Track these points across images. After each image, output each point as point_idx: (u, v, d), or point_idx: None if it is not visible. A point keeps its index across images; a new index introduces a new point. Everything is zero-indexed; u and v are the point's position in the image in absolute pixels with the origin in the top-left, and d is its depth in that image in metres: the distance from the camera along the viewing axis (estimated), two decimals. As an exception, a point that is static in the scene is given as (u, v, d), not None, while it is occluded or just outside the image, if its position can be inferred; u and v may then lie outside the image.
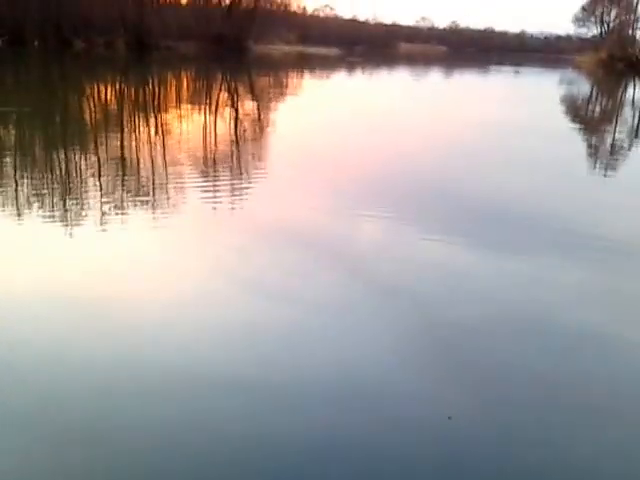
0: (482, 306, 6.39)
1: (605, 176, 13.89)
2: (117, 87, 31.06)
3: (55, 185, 10.56)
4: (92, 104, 23.74)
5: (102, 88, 29.64)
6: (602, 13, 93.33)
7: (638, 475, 4.08)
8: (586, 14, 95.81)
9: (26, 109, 19.28)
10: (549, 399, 4.76)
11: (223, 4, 76.95)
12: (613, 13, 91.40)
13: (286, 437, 4.15)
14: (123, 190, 10.29)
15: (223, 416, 4.35)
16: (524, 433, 4.34)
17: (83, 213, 8.77)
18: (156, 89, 31.43)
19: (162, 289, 6.38)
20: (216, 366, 4.99)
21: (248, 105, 25.54)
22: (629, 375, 5.26)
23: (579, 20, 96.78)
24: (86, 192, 9.96)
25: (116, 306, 5.92)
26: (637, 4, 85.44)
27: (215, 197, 10.14)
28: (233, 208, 9.62)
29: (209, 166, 12.85)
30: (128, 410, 4.36)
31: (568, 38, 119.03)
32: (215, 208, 9.57)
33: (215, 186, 10.93)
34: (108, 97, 26.60)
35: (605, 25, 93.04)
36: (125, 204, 9.38)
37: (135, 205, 9.39)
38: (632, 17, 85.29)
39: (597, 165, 15.53)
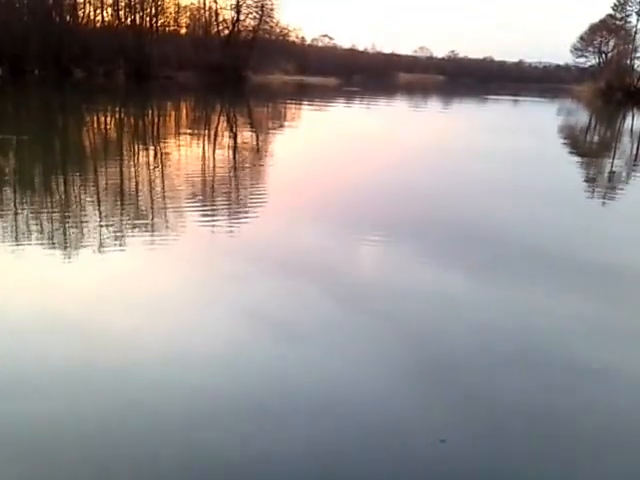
0: (477, 333, 6.40)
1: (604, 204, 13.95)
2: (116, 116, 31.21)
3: (51, 211, 10.56)
4: (90, 132, 23.87)
5: (101, 116, 29.81)
6: (600, 43, 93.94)
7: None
8: (584, 44, 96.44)
9: (24, 137, 19.36)
10: (541, 424, 4.77)
11: (222, 34, 77.54)
12: (611, 43, 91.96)
13: (277, 463, 4.15)
14: (121, 217, 10.35)
15: (225, 444, 4.36)
16: (516, 456, 4.36)
17: (81, 239, 8.81)
18: (155, 118, 31.57)
19: (159, 314, 6.39)
20: (211, 391, 5.00)
21: (246, 134, 25.69)
22: (623, 405, 5.24)
23: (577, 50, 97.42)
24: (84, 218, 10.00)
25: (113, 331, 5.93)
26: (635, 34, 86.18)
27: (213, 223, 10.19)
28: (231, 234, 9.68)
29: (208, 193, 12.89)
30: (127, 437, 4.37)
31: (567, 68, 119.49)
32: (213, 234, 9.60)
33: (213, 212, 10.99)
34: (106, 125, 26.74)
35: (603, 55, 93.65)
36: (123, 230, 9.42)
37: (134, 231, 9.42)
38: (630, 47, 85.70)
39: (595, 193, 15.56)
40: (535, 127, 39.04)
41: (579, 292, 7.87)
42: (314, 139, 24.84)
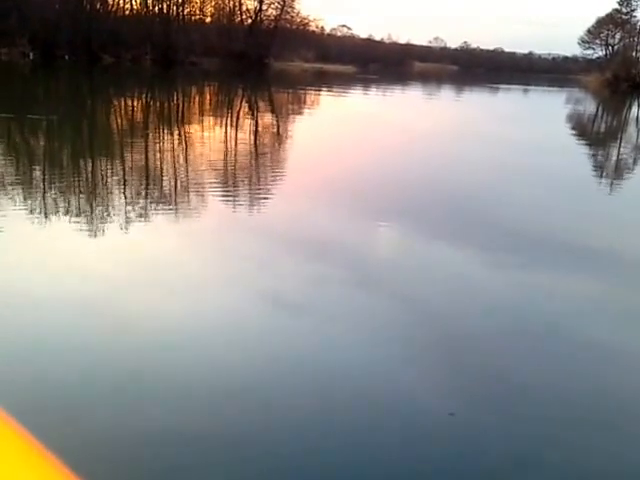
0: (490, 314, 6.21)
1: (610, 191, 13.68)
2: (142, 99, 31.08)
3: (75, 190, 10.42)
4: (116, 114, 23.80)
5: (127, 100, 29.65)
6: (607, 36, 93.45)
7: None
8: (592, 37, 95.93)
9: (53, 117, 19.18)
10: (551, 401, 4.59)
11: (245, 23, 77.50)
12: (617, 36, 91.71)
13: (287, 439, 3.96)
14: (146, 197, 10.20)
15: (235, 429, 4.15)
16: (526, 430, 4.18)
17: (106, 218, 8.62)
18: (180, 102, 31.45)
19: (180, 294, 6.16)
20: (228, 375, 4.81)
21: (268, 118, 25.52)
22: (633, 386, 5.06)
23: (585, 42, 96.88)
24: (109, 197, 9.89)
25: (137, 307, 5.76)
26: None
27: (234, 204, 10.01)
28: (251, 214, 9.49)
29: (230, 175, 12.69)
30: (133, 416, 4.15)
31: (574, 59, 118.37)
32: (234, 214, 9.43)
33: (235, 193, 10.83)
34: (132, 108, 26.60)
35: (610, 47, 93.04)
36: (147, 211, 9.23)
37: (158, 211, 9.24)
38: (636, 40, 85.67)
39: (603, 180, 15.29)
40: (545, 115, 38.70)
41: (595, 276, 7.64)
42: (332, 124, 24.59)
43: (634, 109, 49.20)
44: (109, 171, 12.03)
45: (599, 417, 4.47)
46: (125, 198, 9.74)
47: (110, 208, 9.05)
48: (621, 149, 22.60)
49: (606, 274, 7.67)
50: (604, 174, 16.16)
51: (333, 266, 7.21)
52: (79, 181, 11.10)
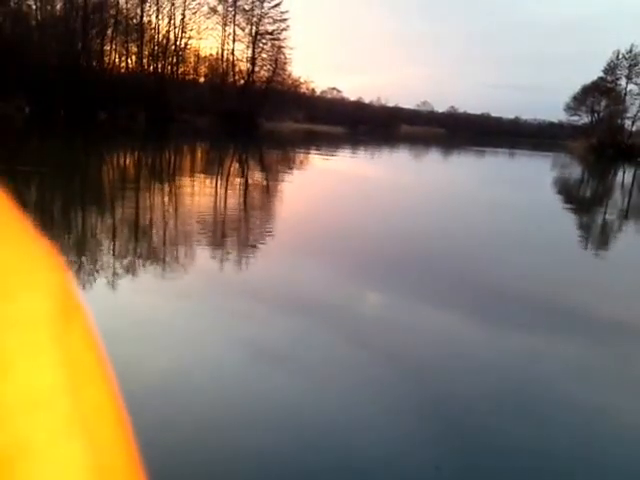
0: (477, 373, 6.07)
1: (597, 256, 13.68)
2: (134, 155, 31.18)
3: (61, 243, 10.27)
4: (108, 169, 23.82)
5: (120, 155, 29.74)
6: (592, 103, 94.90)
7: None
8: (577, 103, 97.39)
9: (43, 169, 19.16)
10: (537, 462, 4.41)
11: (238, 84, 78.55)
12: (603, 103, 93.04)
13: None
14: (134, 251, 10.11)
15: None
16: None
17: (91, 272, 8.48)
18: (172, 159, 31.58)
19: (167, 352, 6.01)
20: (212, 432, 4.59)
21: (257, 177, 25.59)
22: (623, 452, 4.88)
23: (571, 109, 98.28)
24: (95, 251, 9.80)
25: (119, 368, 5.48)
26: (624, 96, 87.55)
27: (222, 260, 9.90)
28: (239, 271, 9.39)
29: (218, 230, 12.65)
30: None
31: (560, 125, 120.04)
32: (222, 270, 9.29)
33: (223, 250, 10.73)
34: (124, 163, 26.66)
35: (595, 114, 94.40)
36: (134, 267, 9.10)
37: (145, 268, 9.13)
38: (620, 107, 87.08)
39: (590, 245, 15.30)
40: (531, 179, 39.01)
41: (577, 338, 7.55)
42: (321, 183, 24.74)
43: (619, 175, 49.70)
44: (97, 225, 11.98)
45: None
46: (113, 252, 9.67)
47: (97, 262, 8.92)
48: (606, 214, 22.68)
49: (592, 338, 7.58)
50: (591, 239, 16.16)
51: (320, 327, 7.08)
52: (67, 234, 10.97)
